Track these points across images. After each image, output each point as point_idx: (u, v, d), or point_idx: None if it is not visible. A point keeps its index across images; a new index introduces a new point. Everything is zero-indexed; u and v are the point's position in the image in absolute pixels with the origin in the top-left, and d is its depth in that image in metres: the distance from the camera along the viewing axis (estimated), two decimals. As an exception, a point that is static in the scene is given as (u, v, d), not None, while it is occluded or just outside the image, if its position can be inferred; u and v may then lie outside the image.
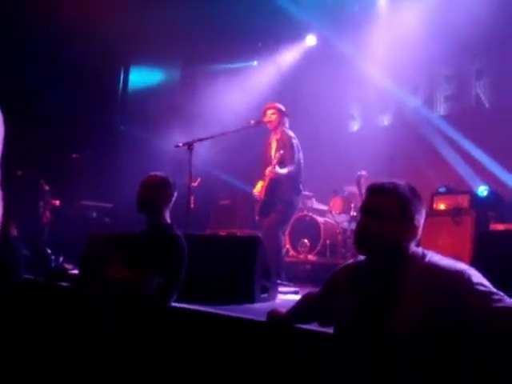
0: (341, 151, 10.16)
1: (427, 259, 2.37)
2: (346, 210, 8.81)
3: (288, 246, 8.67)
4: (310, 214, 8.97)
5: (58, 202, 8.06)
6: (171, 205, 4.36)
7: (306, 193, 8.71)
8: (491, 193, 7.56)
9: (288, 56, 11.20)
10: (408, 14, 9.69)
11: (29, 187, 7.82)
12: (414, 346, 2.22)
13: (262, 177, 7.08)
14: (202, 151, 6.94)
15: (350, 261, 2.79)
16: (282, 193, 6.89)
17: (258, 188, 7.03)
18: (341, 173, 9.25)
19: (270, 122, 7.06)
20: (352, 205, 8.70)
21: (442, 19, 9.15)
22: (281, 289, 5.92)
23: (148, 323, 3.87)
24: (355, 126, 11.49)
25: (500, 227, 6.65)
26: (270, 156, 7.07)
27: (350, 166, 8.74)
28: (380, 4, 10.29)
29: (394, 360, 2.25)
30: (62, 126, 9.81)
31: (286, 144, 6.94)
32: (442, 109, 10.28)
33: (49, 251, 6.64)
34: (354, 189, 8.51)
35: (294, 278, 7.12)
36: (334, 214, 9.03)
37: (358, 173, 8.00)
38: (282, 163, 6.84)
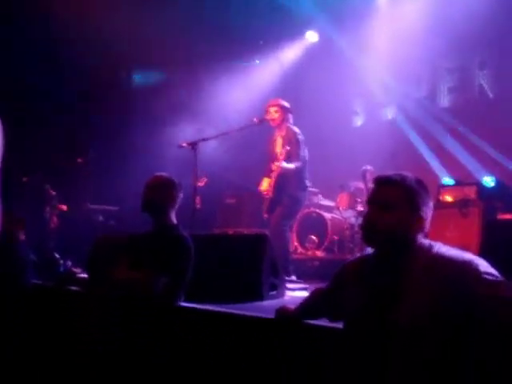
0: (345, 147, 10.14)
1: (434, 250, 2.35)
2: (352, 206, 8.80)
3: (295, 242, 8.66)
4: (317, 210, 8.96)
5: (65, 207, 8.07)
6: (177, 206, 4.36)
7: (313, 189, 8.70)
8: (498, 183, 7.53)
9: (290, 53, 11.17)
10: (409, 6, 9.66)
11: (35, 193, 7.84)
12: (421, 337, 2.21)
13: (267, 174, 7.06)
14: (206, 151, 6.92)
15: (358, 255, 2.79)
16: (288, 188, 6.87)
17: (265, 185, 7.00)
18: (346, 168, 9.24)
19: (272, 119, 7.04)
20: (358, 200, 8.69)
21: (442, 11, 9.13)
22: (289, 285, 5.92)
23: (155, 323, 3.87)
24: (359, 121, 11.47)
25: (508, 217, 6.63)
26: (275, 153, 7.04)
27: (354, 161, 8.71)
28: (381, -3, 10.27)
29: (401, 352, 2.24)
30: (66, 130, 9.84)
31: (291, 140, 6.92)
32: (445, 101, 10.26)
33: (57, 256, 6.66)
34: (359, 184, 8.50)
35: (303, 275, 7.11)
36: (340, 209, 9.02)
37: (364, 167, 7.99)
38: (288, 159, 6.82)
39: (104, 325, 4.01)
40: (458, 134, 9.36)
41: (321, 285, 3.14)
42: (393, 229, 2.38)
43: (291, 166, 6.81)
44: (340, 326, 2.76)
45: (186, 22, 9.38)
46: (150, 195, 4.27)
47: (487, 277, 2.19)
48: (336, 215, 9.08)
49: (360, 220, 8.45)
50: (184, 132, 8.96)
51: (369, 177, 7.91)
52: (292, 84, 10.62)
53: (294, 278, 6.65)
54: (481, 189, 7.34)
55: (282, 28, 10.50)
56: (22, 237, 5.65)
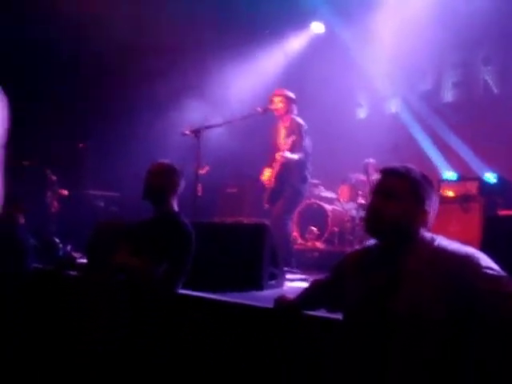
0: (348, 139, 10.13)
1: (436, 243, 2.36)
2: (353, 198, 8.81)
3: (296, 233, 8.67)
4: (318, 201, 8.96)
5: (65, 192, 8.07)
6: (179, 193, 4.35)
7: (314, 181, 8.70)
8: (500, 179, 7.53)
9: (295, 43, 11.14)
10: (415, 0, 9.62)
11: (36, 177, 7.84)
12: (420, 329, 2.21)
13: (269, 164, 7.05)
14: (209, 139, 6.91)
15: (358, 246, 2.79)
16: (290, 178, 6.86)
17: (267, 175, 6.99)
18: (348, 160, 9.23)
19: (276, 109, 7.02)
20: (360, 192, 8.69)
21: (448, 6, 9.09)
22: (289, 276, 5.91)
23: (155, 310, 3.88)
24: (362, 114, 11.46)
25: (509, 213, 6.62)
26: (278, 143, 7.04)
27: (357, 153, 8.71)
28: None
29: (400, 344, 2.24)
30: (67, 115, 9.82)
31: (294, 131, 6.90)
32: (449, 95, 10.24)
33: (57, 240, 6.66)
34: (361, 176, 8.51)
35: (302, 266, 7.10)
36: (341, 201, 9.03)
37: (366, 160, 7.99)
38: (291, 149, 6.81)
39: (102, 310, 4.01)
40: (460, 129, 9.35)
41: (320, 276, 3.14)
42: (397, 220, 2.39)
43: (294, 156, 6.80)
44: (339, 316, 2.76)
45: (193, 9, 9.34)
46: (152, 182, 4.27)
47: (488, 271, 2.19)
48: (337, 207, 9.08)
49: (361, 212, 8.46)
50: (187, 119, 8.93)
51: (371, 169, 7.92)
52: (296, 75, 10.58)
53: (294, 268, 6.65)
54: (482, 184, 7.34)
55: (288, 18, 10.46)
56: (22, 220, 5.66)
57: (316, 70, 10.70)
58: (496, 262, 2.26)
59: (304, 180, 7.01)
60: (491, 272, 2.19)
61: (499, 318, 2.15)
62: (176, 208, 4.31)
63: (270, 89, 7.59)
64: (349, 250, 5.61)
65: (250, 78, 10.31)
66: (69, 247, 6.73)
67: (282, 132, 7.08)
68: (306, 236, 8.76)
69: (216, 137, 7.50)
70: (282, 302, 3.20)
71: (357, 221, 8.67)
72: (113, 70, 9.54)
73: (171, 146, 8.01)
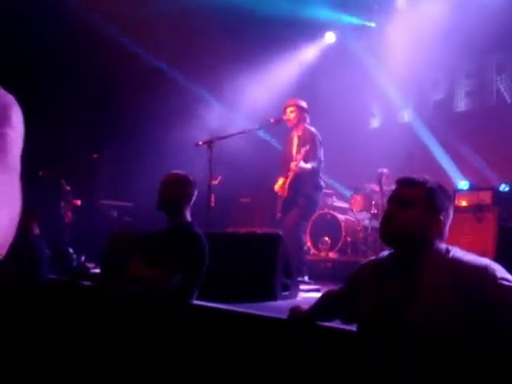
0: (361, 148, 10.14)
1: (451, 254, 2.36)
2: (366, 208, 8.79)
3: (309, 243, 8.65)
4: (331, 211, 8.95)
5: (79, 202, 8.10)
6: (192, 203, 4.36)
7: (327, 190, 8.69)
8: (514, 189, 7.48)
9: (308, 53, 11.17)
10: (427, 10, 9.63)
11: (50, 187, 7.88)
12: (436, 340, 2.20)
13: (282, 173, 7.06)
14: (222, 149, 6.92)
15: (372, 257, 2.79)
16: (304, 188, 6.86)
17: (280, 184, 7.00)
18: (361, 170, 9.24)
19: (288, 119, 7.03)
20: (373, 202, 8.69)
21: (461, 15, 9.08)
22: (302, 286, 5.91)
23: (169, 321, 3.88)
24: (375, 123, 11.46)
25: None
26: (291, 153, 7.05)
27: (370, 163, 8.71)
28: (399, 1, 10.22)
29: (416, 355, 2.23)
30: (82, 126, 9.87)
31: (308, 140, 6.91)
32: (462, 105, 10.22)
33: (71, 251, 6.68)
34: (374, 186, 8.48)
35: (315, 276, 7.10)
36: (354, 211, 9.01)
37: (379, 170, 7.97)
38: (305, 159, 6.81)
39: (116, 321, 4.02)
40: (474, 138, 9.32)
41: (333, 286, 3.14)
42: (412, 228, 2.40)
43: (308, 165, 6.80)
44: (353, 328, 2.76)
45: (207, 21, 9.38)
46: (166, 192, 4.27)
47: (504, 282, 2.19)
48: (350, 217, 9.07)
49: (374, 222, 8.44)
50: (201, 129, 8.95)
51: (384, 179, 7.90)
52: (310, 84, 10.61)
53: (306, 279, 6.64)
54: (496, 194, 7.29)
55: (301, 28, 10.48)
56: (37, 230, 5.68)
57: (329, 79, 10.72)
58: (511, 272, 2.26)
59: (317, 188, 7.00)
60: (506, 283, 2.19)
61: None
62: (189, 218, 4.32)
63: (284, 98, 7.59)
64: (362, 260, 5.59)
65: (264, 88, 10.33)
66: (83, 258, 6.76)
67: (295, 141, 7.09)
68: (319, 246, 8.74)
69: (229, 147, 7.50)
70: (296, 312, 3.20)
71: (369, 231, 8.67)
72: (127, 81, 9.58)
73: (185, 157, 8.03)
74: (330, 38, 11.11)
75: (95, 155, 8.40)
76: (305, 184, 6.85)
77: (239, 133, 7.17)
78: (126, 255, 4.24)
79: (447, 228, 2.47)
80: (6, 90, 1.64)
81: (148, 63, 9.69)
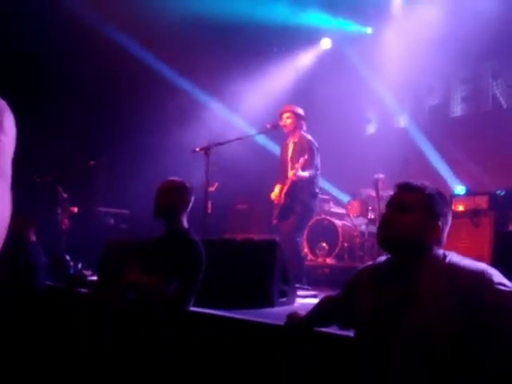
0: (357, 154, 10.15)
1: (448, 259, 2.36)
2: (363, 213, 8.80)
3: (306, 249, 8.66)
4: (328, 217, 8.95)
5: (76, 209, 8.09)
6: (189, 210, 4.35)
7: (324, 196, 8.69)
8: (510, 193, 7.49)
9: (304, 60, 11.19)
10: (423, 16, 9.65)
11: (47, 194, 7.87)
12: (434, 345, 2.21)
13: (279, 180, 7.07)
14: (219, 155, 6.92)
15: (370, 262, 2.79)
16: (301, 195, 6.87)
17: (276, 193, 7.01)
18: (358, 176, 9.24)
19: (285, 125, 7.05)
20: (369, 207, 8.69)
21: (456, 21, 9.11)
22: (299, 292, 5.90)
23: (166, 328, 3.87)
24: (371, 129, 11.47)
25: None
26: (288, 159, 7.06)
27: (366, 168, 8.72)
28: (395, 7, 10.25)
29: (414, 360, 2.23)
30: (79, 133, 9.87)
31: (304, 147, 6.92)
32: (458, 110, 10.24)
33: (67, 258, 6.67)
34: (371, 191, 8.49)
35: (313, 282, 7.10)
36: (351, 217, 9.02)
37: (375, 176, 7.98)
38: (304, 168, 6.81)
39: (113, 328, 4.01)
40: (470, 143, 9.34)
41: (331, 292, 3.14)
42: (410, 232, 2.41)
43: (306, 174, 6.82)
44: (350, 333, 2.76)
45: (203, 28, 9.40)
46: (163, 200, 4.26)
47: (501, 287, 2.19)
48: (347, 222, 9.07)
49: (371, 228, 8.45)
50: (198, 136, 8.96)
51: (380, 184, 7.91)
52: (306, 91, 10.62)
53: (304, 285, 6.64)
54: (492, 198, 7.30)
55: (297, 34, 10.51)
56: (33, 237, 5.67)
57: (325, 85, 10.74)
58: (507, 276, 2.26)
59: (314, 196, 7.02)
60: (503, 288, 2.19)
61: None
62: (186, 225, 4.31)
63: (280, 104, 7.62)
64: (359, 265, 5.59)
65: (260, 94, 10.35)
66: (79, 265, 6.74)
67: (291, 148, 7.10)
68: (317, 252, 8.75)
69: (226, 153, 7.50)
70: (293, 318, 3.20)
71: (366, 236, 8.67)
72: (124, 88, 9.59)
73: (182, 163, 8.03)
74: (325, 43, 11.13)
75: (92, 162, 8.38)
76: (302, 192, 6.87)
77: (236, 139, 7.17)
78: (123, 262, 4.23)
79: (445, 234, 2.48)
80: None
81: (146, 69, 9.69)
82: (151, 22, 9.02)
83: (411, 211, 2.42)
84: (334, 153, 8.98)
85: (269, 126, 7.08)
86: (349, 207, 9.07)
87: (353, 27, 10.77)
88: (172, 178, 4.41)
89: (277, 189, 7.02)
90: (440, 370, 2.20)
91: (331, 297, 2.99)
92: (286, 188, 6.89)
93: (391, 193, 2.57)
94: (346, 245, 8.66)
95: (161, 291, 3.88)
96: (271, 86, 10.62)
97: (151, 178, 5.32)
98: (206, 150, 6.39)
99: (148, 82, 9.75)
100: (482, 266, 2.29)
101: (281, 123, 7.05)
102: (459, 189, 7.85)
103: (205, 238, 5.04)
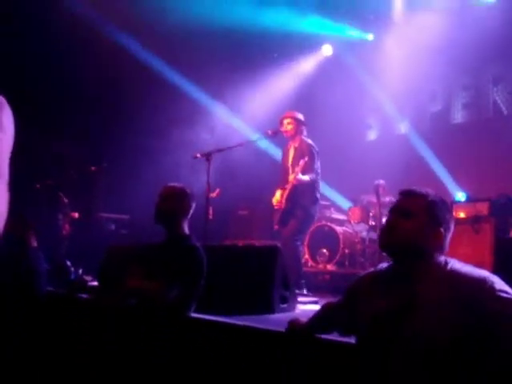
0: (358, 160, 10.15)
1: (449, 266, 2.37)
2: (364, 220, 8.80)
3: (307, 256, 8.66)
4: (329, 223, 8.95)
5: (76, 215, 8.09)
6: (189, 216, 4.35)
7: (325, 202, 8.69)
8: (510, 200, 7.49)
9: (306, 66, 11.20)
10: (424, 22, 9.67)
11: (48, 200, 7.86)
12: (436, 352, 2.20)
13: (280, 185, 7.07)
14: (220, 161, 6.93)
15: (371, 269, 2.79)
16: (302, 200, 6.87)
17: (277, 198, 7.01)
18: (359, 182, 9.24)
19: (286, 131, 7.06)
20: (370, 214, 8.69)
21: (458, 28, 9.12)
22: (300, 299, 5.89)
23: (167, 333, 3.86)
24: (372, 135, 11.48)
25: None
26: (288, 164, 7.06)
27: (367, 175, 8.72)
28: (396, 13, 10.27)
29: (416, 367, 2.23)
30: (80, 139, 9.88)
31: (305, 152, 6.93)
32: (459, 116, 10.25)
33: (68, 263, 6.67)
34: (372, 198, 8.49)
35: (313, 288, 7.10)
36: (352, 223, 9.01)
37: (376, 182, 7.98)
38: (303, 171, 6.82)
39: (114, 333, 4.01)
40: (471, 149, 9.35)
41: (331, 299, 3.14)
42: (412, 238, 2.41)
43: (306, 178, 6.82)
44: (351, 340, 2.75)
45: (205, 34, 9.41)
46: (163, 205, 4.26)
47: (502, 294, 2.19)
48: (348, 229, 9.07)
49: (372, 234, 8.45)
50: (199, 142, 8.97)
51: (381, 191, 7.90)
52: (307, 97, 10.63)
53: (305, 291, 6.64)
54: (493, 205, 7.30)
55: (298, 41, 10.53)
56: (34, 243, 5.66)
57: (327, 91, 10.75)
58: (508, 282, 2.26)
59: (315, 201, 7.02)
60: (505, 295, 2.19)
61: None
62: (187, 231, 4.31)
63: (282, 110, 7.63)
64: (360, 272, 5.59)
65: (262, 100, 10.36)
66: (80, 270, 6.74)
67: (292, 153, 7.11)
68: (317, 258, 8.74)
69: (227, 159, 7.51)
70: (294, 325, 3.20)
71: (367, 242, 8.66)
72: (125, 89, 9.60)
73: (183, 169, 8.04)
74: (326, 50, 11.15)
75: (93, 167, 8.38)
76: (302, 196, 6.87)
77: (237, 145, 7.17)
78: (124, 268, 4.22)
79: (447, 241, 2.48)
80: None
81: (147, 70, 9.70)
82: (152, 23, 9.03)
83: (414, 217, 2.43)
84: (334, 159, 8.99)
85: (270, 133, 7.08)
86: (350, 213, 9.08)
87: (354, 34, 10.81)
88: (173, 184, 4.40)
89: (278, 194, 7.02)
90: (441, 376, 2.20)
91: (332, 303, 2.99)
92: (286, 193, 6.89)
93: (392, 199, 2.58)
94: (346, 251, 8.65)
95: (162, 297, 3.88)
96: (273, 91, 10.63)
97: (152, 183, 5.33)
98: (208, 156, 6.39)
99: (148, 83, 9.75)
100: (483, 273, 2.29)
101: (282, 129, 7.07)
102: (460, 195, 7.87)
103: (206, 243, 5.04)
